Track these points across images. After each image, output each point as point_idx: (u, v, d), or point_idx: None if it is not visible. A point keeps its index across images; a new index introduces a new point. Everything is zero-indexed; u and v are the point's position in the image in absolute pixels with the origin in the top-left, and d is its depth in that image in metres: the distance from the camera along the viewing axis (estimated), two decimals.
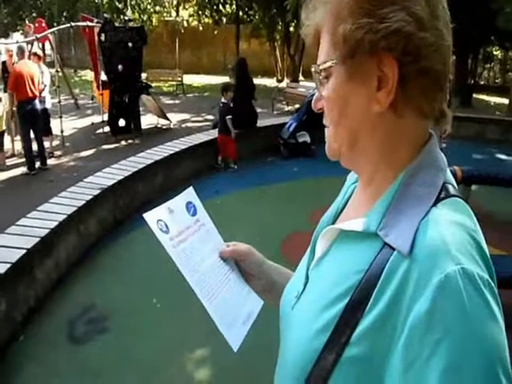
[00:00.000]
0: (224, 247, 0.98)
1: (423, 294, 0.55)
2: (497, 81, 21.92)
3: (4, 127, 7.44)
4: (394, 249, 0.61)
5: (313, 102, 0.76)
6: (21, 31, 21.39)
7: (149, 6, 24.32)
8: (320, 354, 0.65)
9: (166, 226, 0.86)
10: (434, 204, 0.63)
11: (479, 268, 0.56)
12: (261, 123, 8.55)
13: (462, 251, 0.56)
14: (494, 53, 20.06)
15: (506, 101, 15.66)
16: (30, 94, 6.94)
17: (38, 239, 3.64)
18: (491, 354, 0.52)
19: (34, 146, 7.24)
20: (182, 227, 0.90)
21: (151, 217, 0.85)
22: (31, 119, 7.05)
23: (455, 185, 0.70)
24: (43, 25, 11.44)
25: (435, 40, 0.64)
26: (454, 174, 5.18)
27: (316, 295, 0.73)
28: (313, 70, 0.72)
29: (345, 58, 0.66)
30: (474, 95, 15.52)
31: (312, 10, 0.72)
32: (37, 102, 7.11)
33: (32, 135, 7.11)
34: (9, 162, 7.61)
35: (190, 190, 0.98)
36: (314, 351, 0.66)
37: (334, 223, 0.83)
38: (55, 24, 18.69)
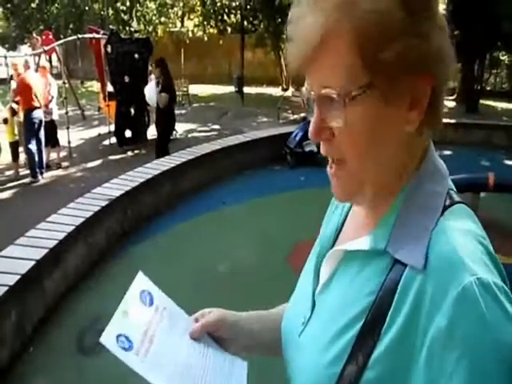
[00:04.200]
0: (193, 325, 0.86)
1: (441, 309, 0.54)
2: (504, 86, 21.86)
3: (17, 137, 7.53)
4: (405, 265, 0.60)
5: (312, 132, 0.66)
6: (28, 44, 21.63)
7: (154, 18, 24.57)
8: (337, 381, 0.63)
9: (127, 338, 0.74)
10: (441, 213, 0.62)
11: (493, 275, 0.55)
12: (267, 132, 8.55)
13: (475, 261, 0.55)
14: (501, 58, 20.00)
15: None
16: (35, 104, 7.09)
17: (46, 250, 3.64)
18: None
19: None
20: (143, 327, 0.78)
21: (109, 337, 0.72)
22: (34, 128, 7.18)
23: (455, 189, 0.69)
24: (50, 37, 11.57)
25: (453, 56, 0.65)
26: (487, 180, 5.07)
27: (327, 321, 0.70)
28: (333, 95, 0.61)
29: (389, 81, 0.60)
30: (481, 101, 15.48)
31: (318, 21, 0.60)
32: (40, 111, 7.25)
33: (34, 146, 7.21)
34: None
35: (140, 276, 0.86)
36: (331, 379, 0.64)
37: (334, 243, 0.80)
38: (62, 36, 18.90)
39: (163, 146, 7.90)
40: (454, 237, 0.58)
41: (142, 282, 0.85)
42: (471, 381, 0.50)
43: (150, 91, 7.95)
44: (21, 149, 7.66)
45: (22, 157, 7.77)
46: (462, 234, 0.59)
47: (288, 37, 0.64)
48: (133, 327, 0.77)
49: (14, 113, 7.36)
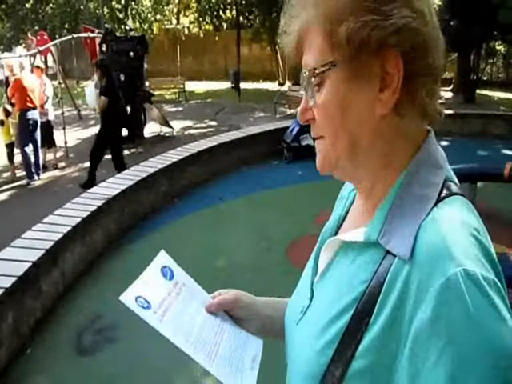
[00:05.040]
0: (210, 301, 0.91)
1: (425, 300, 0.53)
2: (500, 76, 21.83)
3: (13, 138, 7.50)
4: (395, 256, 0.60)
5: (299, 113, 0.71)
6: (23, 45, 21.58)
7: (149, 15, 24.47)
8: (327, 369, 0.64)
9: (146, 301, 0.79)
10: (435, 204, 0.61)
11: (483, 268, 0.53)
12: (264, 127, 8.53)
13: (463, 252, 0.54)
14: (497, 47, 19.95)
15: (509, 95, 15.63)
16: (30, 104, 7.05)
17: (43, 251, 3.63)
18: (500, 358, 0.49)
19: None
20: (162, 296, 0.83)
21: (128, 297, 0.77)
22: (30, 128, 7.14)
23: (457, 182, 0.67)
24: (45, 37, 11.55)
25: (437, 35, 0.64)
26: (504, 169, 5.11)
27: (321, 310, 0.71)
28: (305, 75, 0.66)
29: (348, 58, 0.62)
30: (478, 91, 15.45)
31: (295, 15, 0.68)
32: (36, 112, 7.20)
33: (31, 146, 7.17)
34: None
35: (162, 253, 0.92)
36: (321, 367, 0.64)
37: (336, 234, 0.80)
38: (57, 36, 18.83)
39: (99, 153, 7.30)
40: (443, 227, 0.57)
41: (164, 258, 0.91)
42: (453, 373, 0.49)
43: (89, 94, 7.56)
44: (17, 150, 7.65)
45: (19, 158, 7.76)
46: (452, 223, 0.57)
47: (280, 31, 0.71)
48: (152, 294, 0.81)
49: (7, 114, 7.34)
